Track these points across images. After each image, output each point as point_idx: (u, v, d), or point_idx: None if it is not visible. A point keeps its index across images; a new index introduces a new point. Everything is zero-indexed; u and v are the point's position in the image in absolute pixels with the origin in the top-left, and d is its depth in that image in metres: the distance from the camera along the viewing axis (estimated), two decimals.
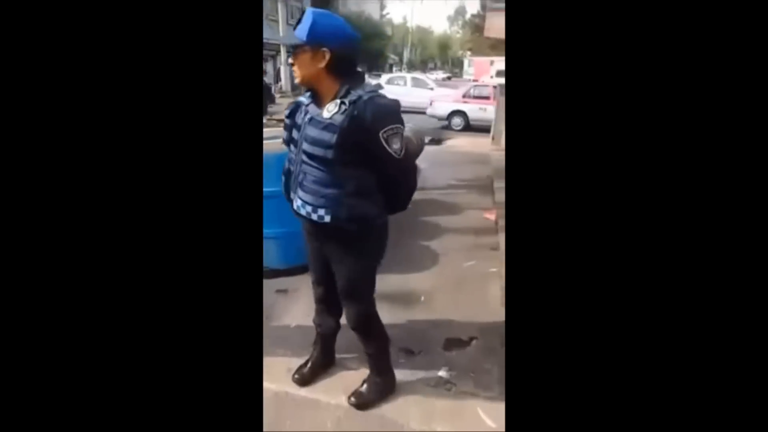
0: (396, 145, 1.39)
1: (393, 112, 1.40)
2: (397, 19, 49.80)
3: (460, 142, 8.64)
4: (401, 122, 1.41)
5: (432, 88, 14.04)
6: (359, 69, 1.52)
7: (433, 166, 6.29)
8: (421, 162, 6.63)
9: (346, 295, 1.66)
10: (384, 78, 15.91)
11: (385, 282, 2.73)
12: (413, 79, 14.96)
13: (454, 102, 11.05)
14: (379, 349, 1.78)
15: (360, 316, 1.69)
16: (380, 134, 1.33)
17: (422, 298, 2.62)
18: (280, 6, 20.99)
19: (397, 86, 14.29)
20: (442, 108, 11.21)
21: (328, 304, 1.79)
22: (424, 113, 12.09)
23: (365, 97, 1.33)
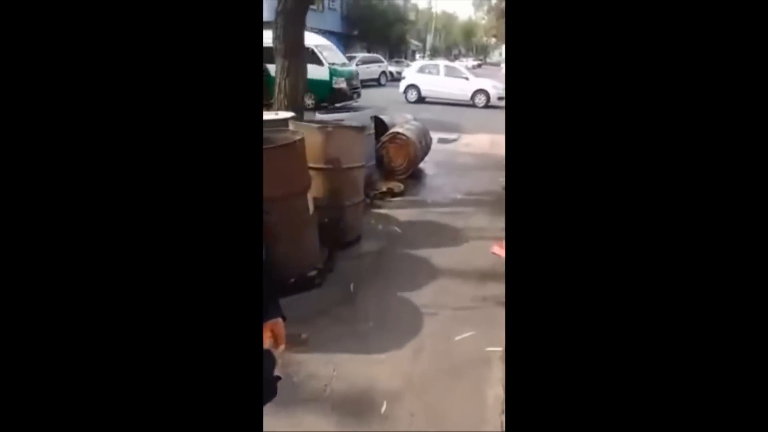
0: None
1: None
2: (422, 5, 48.39)
3: (478, 141, 7.61)
4: None
5: (467, 78, 13.14)
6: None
7: (439, 172, 5.34)
8: (426, 166, 5.73)
9: None
10: (415, 66, 14.86)
11: (326, 368, 1.93)
12: (446, 67, 13.90)
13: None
14: None
15: None
16: None
17: (384, 407, 1.74)
18: None
19: (429, 75, 13.39)
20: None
21: None
22: (462, 105, 12.00)
23: None
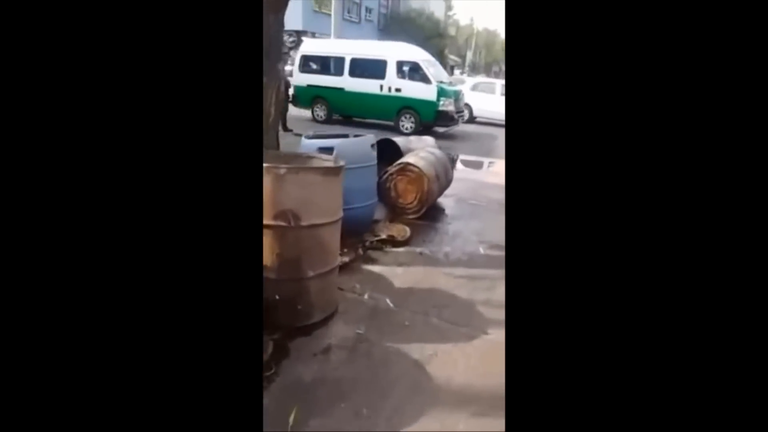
0: None
1: None
2: (463, 21, 47.74)
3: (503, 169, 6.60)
4: None
5: None
6: None
7: (460, 211, 4.36)
8: (446, 201, 4.66)
9: None
10: (468, 83, 13.63)
11: None
12: (504, 86, 12.72)
13: None
14: None
15: None
16: None
17: None
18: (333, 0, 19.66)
19: (483, 94, 12.43)
20: None
21: None
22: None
23: None
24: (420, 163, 3.83)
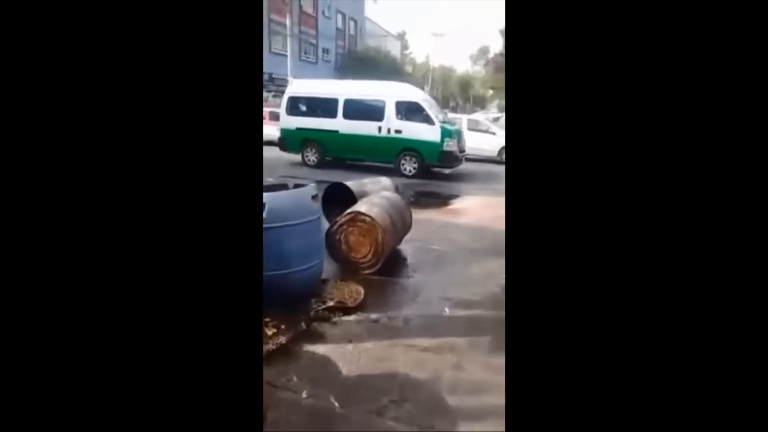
0: None
1: None
2: (419, 58, 49.34)
3: (472, 205, 6.29)
4: None
5: (494, 133, 11.88)
6: None
7: (423, 259, 3.92)
8: (407, 248, 4.15)
9: None
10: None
11: None
12: (469, 121, 12.58)
13: None
14: None
15: None
16: None
17: None
18: (290, 41, 19.66)
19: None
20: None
21: None
22: (491, 162, 11.18)
23: None
24: (372, 211, 3.39)
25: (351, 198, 4.36)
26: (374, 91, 9.25)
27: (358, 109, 9.11)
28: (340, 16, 29.80)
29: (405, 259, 3.91)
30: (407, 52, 47.66)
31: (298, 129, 9.58)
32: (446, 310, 2.93)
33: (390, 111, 8.81)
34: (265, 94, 22.75)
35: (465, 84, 50.05)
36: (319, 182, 3.86)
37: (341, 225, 3.41)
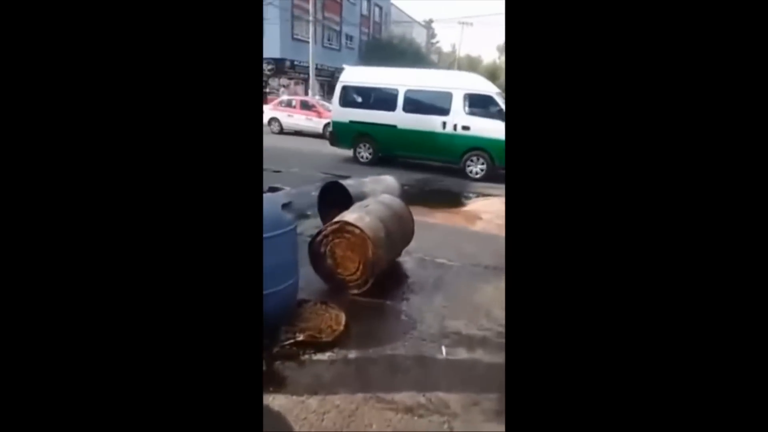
0: None
1: None
2: (446, 48, 48.20)
3: (491, 208, 5.63)
4: None
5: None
6: None
7: (423, 277, 3.34)
8: (407, 261, 3.67)
9: None
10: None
11: None
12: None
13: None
14: None
15: None
16: None
17: None
18: (312, 27, 19.11)
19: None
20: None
21: None
22: None
23: None
24: (363, 222, 2.85)
25: (347, 199, 3.84)
26: (440, 81, 8.09)
27: (421, 102, 8.07)
28: (365, 2, 29.07)
29: (402, 276, 3.37)
30: (434, 40, 46.58)
31: (351, 122, 8.58)
32: (443, 350, 2.38)
33: (457, 104, 7.70)
34: (286, 81, 22.41)
35: (492, 74, 48.80)
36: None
37: (326, 235, 2.90)
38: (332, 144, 9.10)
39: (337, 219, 2.92)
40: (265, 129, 13.64)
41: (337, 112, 8.86)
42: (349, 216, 2.91)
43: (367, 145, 8.61)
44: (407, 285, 3.20)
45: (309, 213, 4.83)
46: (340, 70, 9.50)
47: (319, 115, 13.34)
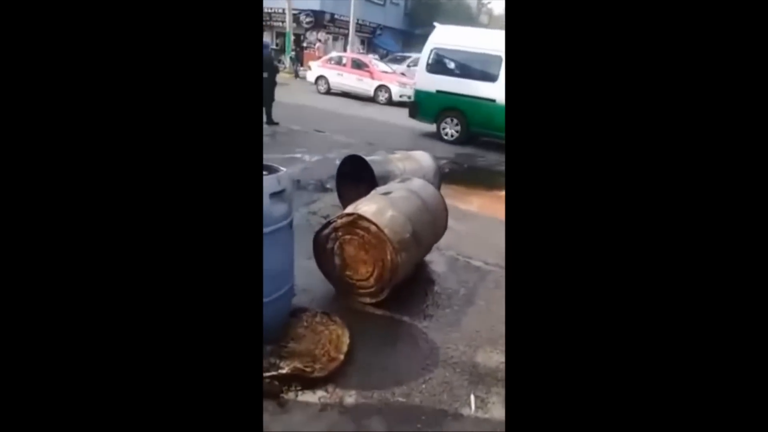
0: None
1: None
2: (497, 10, 45.28)
3: None
4: None
5: None
6: None
7: (453, 285, 2.70)
8: (433, 259, 3.07)
9: None
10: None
11: None
12: None
13: None
14: None
15: None
16: None
17: None
18: None
19: None
20: None
21: None
22: None
23: None
24: (383, 218, 2.23)
25: (371, 180, 3.22)
26: None
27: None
28: None
29: (426, 281, 2.76)
30: (485, 1, 43.84)
31: (438, 92, 7.22)
32: (472, 401, 1.80)
33: None
34: (324, 35, 21.37)
35: None
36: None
37: (336, 228, 2.31)
38: (412, 116, 7.76)
39: (350, 209, 2.32)
40: (311, 88, 12.81)
41: (422, 79, 7.47)
42: (366, 207, 2.29)
43: (455, 121, 7.24)
44: (432, 295, 2.59)
45: (329, 186, 4.25)
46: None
47: (372, 75, 12.17)
